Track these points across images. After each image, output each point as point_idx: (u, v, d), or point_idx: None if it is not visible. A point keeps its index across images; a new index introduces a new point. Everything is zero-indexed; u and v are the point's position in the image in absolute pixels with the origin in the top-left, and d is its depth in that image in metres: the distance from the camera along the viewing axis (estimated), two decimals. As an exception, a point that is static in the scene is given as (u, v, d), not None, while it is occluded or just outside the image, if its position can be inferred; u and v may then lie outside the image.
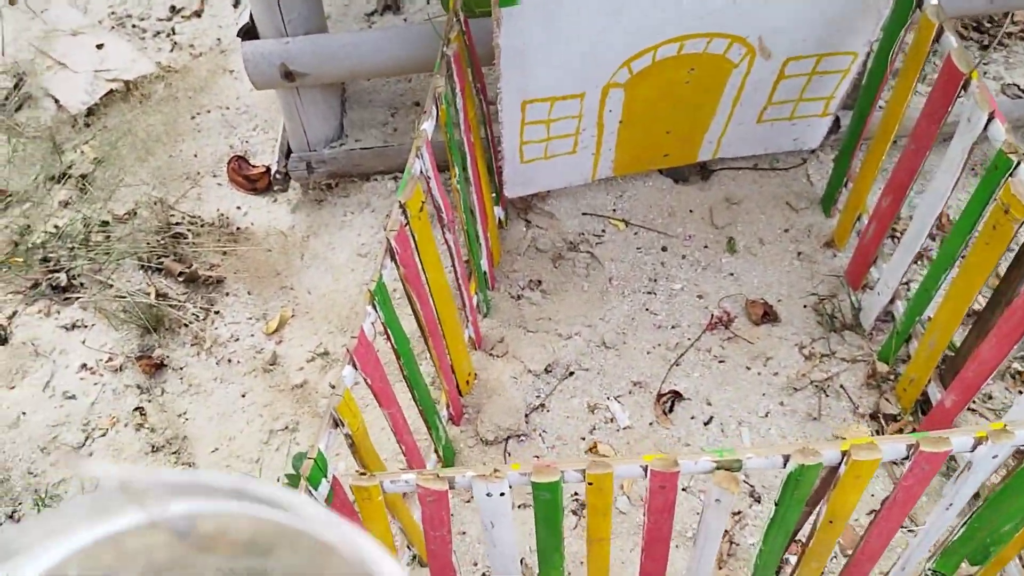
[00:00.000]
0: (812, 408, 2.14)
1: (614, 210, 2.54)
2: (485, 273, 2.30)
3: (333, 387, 1.43)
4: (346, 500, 1.42)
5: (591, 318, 2.38)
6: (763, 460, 1.30)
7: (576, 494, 2.04)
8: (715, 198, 2.52)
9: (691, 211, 2.50)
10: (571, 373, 2.27)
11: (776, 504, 1.37)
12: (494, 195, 2.40)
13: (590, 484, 1.30)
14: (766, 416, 2.15)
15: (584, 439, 2.13)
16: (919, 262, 2.34)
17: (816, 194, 2.51)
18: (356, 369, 1.49)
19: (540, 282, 2.44)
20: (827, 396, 2.17)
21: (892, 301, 2.15)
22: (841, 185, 2.40)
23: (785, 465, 1.30)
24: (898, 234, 2.38)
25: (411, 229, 1.67)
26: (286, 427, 2.20)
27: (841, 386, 2.18)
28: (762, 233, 2.45)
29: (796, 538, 1.51)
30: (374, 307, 1.55)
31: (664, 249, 2.45)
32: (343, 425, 1.45)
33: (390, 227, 1.59)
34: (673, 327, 2.33)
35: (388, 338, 1.65)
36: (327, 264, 2.52)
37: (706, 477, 1.29)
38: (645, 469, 1.30)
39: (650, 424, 2.15)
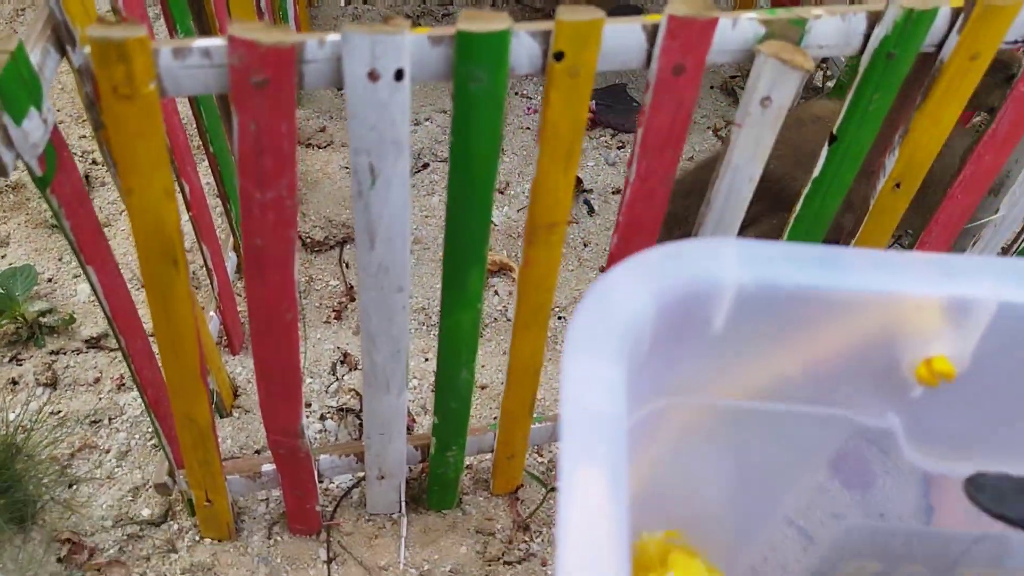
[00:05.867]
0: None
1: (463, -20, 1.95)
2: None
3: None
4: (72, 166, 0.72)
5: (446, 101, 1.77)
6: (836, 20, 0.76)
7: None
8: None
9: (561, -19, 1.97)
10: (425, 165, 1.65)
11: (838, 129, 0.83)
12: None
13: (559, 57, 0.70)
14: (686, 205, 1.65)
15: (452, 242, 1.52)
16: None
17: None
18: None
19: (370, 69, 1.80)
20: (754, 181, 1.71)
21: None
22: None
23: (873, 27, 0.77)
24: None
25: None
26: (-10, 243, 1.41)
27: (770, 169, 1.72)
28: (649, 7, 1.96)
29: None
30: None
31: (531, 26, 1.90)
32: (72, 37, 0.75)
33: None
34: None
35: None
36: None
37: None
38: (652, 30, 0.72)
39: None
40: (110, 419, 1.20)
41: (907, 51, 0.77)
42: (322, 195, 1.51)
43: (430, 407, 1.29)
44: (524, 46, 0.70)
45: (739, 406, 0.63)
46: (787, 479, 0.73)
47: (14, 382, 1.23)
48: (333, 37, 0.66)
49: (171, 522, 1.12)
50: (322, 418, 1.25)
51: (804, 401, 0.63)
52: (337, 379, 1.30)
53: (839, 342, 0.59)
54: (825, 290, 0.56)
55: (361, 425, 1.26)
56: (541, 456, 1.24)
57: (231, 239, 1.35)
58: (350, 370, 1.31)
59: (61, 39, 0.76)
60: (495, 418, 1.29)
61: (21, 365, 1.25)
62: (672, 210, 1.24)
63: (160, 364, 0.92)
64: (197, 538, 1.10)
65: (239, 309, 1.35)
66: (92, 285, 0.83)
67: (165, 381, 0.93)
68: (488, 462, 1.23)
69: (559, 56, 0.70)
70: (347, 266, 1.47)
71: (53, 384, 1.23)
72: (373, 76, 0.67)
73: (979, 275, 0.57)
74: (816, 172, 0.87)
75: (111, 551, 1.08)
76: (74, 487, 1.13)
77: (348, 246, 1.49)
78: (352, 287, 1.43)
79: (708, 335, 0.58)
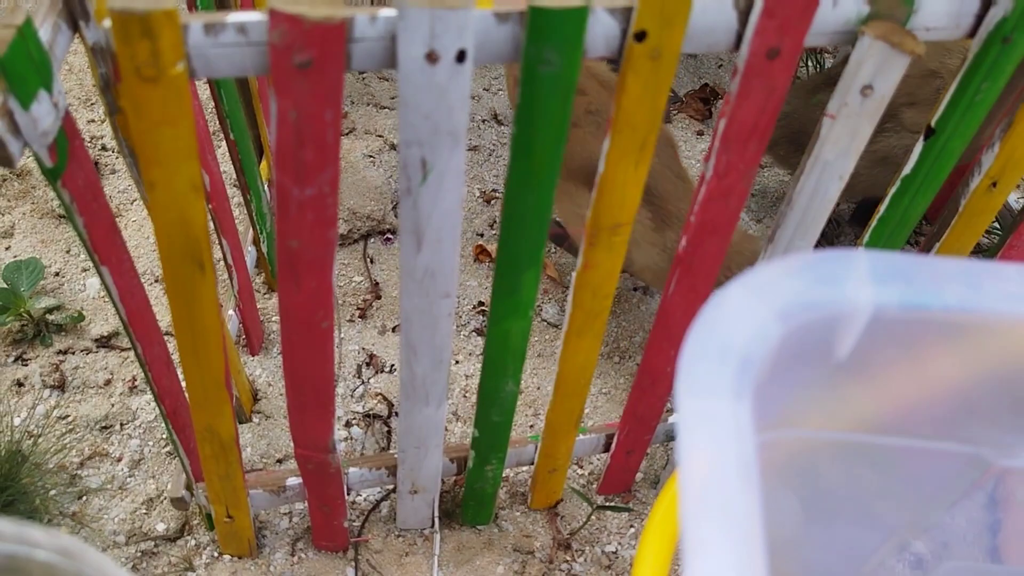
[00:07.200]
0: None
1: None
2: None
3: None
4: (85, 156, 0.64)
5: (474, 86, 1.68)
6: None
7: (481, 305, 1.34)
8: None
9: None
10: (452, 154, 1.56)
11: (936, 121, 0.75)
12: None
13: (640, 37, 0.62)
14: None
15: (483, 236, 1.44)
16: None
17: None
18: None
19: (392, 52, 1.71)
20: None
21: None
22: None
23: (988, 7, 0.68)
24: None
25: None
26: (-6, 233, 1.33)
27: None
28: None
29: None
30: None
31: None
32: (85, 11, 0.67)
33: None
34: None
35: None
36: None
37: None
38: (744, 8, 0.63)
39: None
40: (122, 424, 1.13)
41: (1025, 34, 0.69)
42: (345, 185, 1.43)
43: (462, 413, 1.21)
44: (601, 24, 0.61)
45: (855, 440, 0.55)
46: (898, 524, 0.65)
47: (20, 384, 1.15)
48: (387, 12, 0.58)
49: (188, 537, 1.04)
50: (347, 425, 1.17)
51: (931, 436, 0.55)
52: (363, 382, 1.22)
53: (979, 370, 0.51)
54: (971, 312, 0.48)
55: (389, 432, 1.18)
56: (582, 468, 1.16)
57: (251, 232, 1.27)
58: (376, 372, 1.23)
59: (73, 13, 0.67)
60: (531, 426, 1.21)
61: (27, 365, 1.17)
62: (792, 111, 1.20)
63: (180, 372, 0.85)
64: (216, 554, 1.03)
65: (259, 306, 1.27)
66: (106, 287, 0.75)
67: (185, 390, 0.85)
68: (525, 474, 1.15)
69: (640, 36, 0.62)
70: (371, 261, 1.38)
71: (61, 386, 1.15)
72: (432, 57, 0.59)
73: None
74: (907, 169, 0.79)
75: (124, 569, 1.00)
76: (84, 499, 1.05)
77: (372, 239, 1.41)
78: (377, 283, 1.35)
79: (830, 362, 0.50)
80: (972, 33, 0.70)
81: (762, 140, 0.70)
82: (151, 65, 0.56)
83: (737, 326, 0.45)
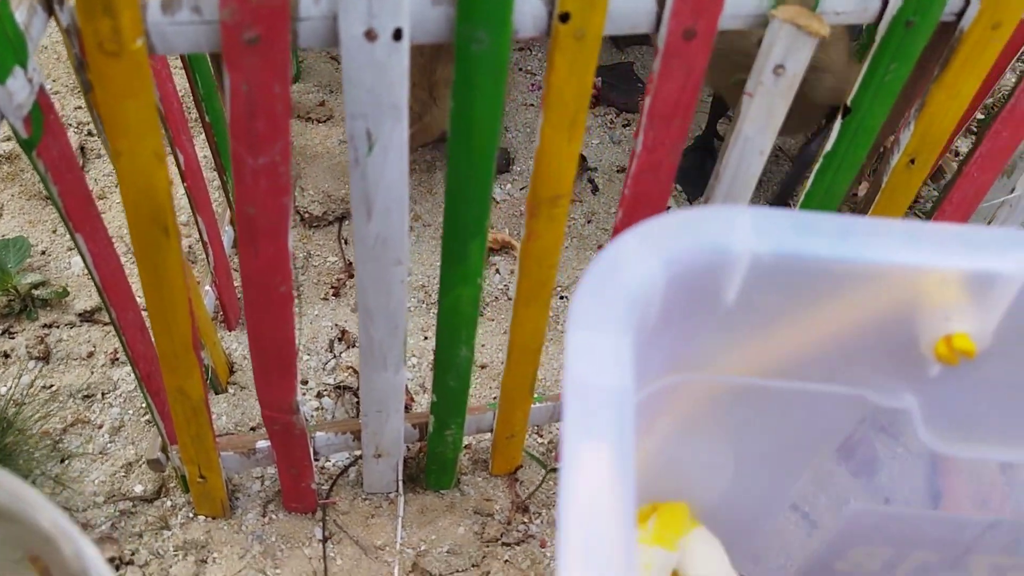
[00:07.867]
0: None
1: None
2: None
3: None
4: (60, 129, 0.70)
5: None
6: (865, -8, 0.73)
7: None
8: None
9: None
10: (427, 141, 1.62)
11: (852, 101, 0.80)
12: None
13: (564, 18, 0.67)
14: (691, 185, 1.62)
15: (453, 219, 1.49)
16: None
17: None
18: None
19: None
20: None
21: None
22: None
23: (897, -1, 0.74)
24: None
25: None
26: (-17, 214, 1.38)
27: (778, 149, 1.69)
28: None
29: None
30: None
31: None
32: (59, -5, 0.73)
33: None
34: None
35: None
36: None
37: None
38: (672, -1, 0.69)
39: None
40: (103, 394, 1.18)
41: (926, 19, 0.74)
42: (321, 169, 1.48)
43: (429, 386, 1.26)
44: (529, 6, 0.67)
45: (750, 383, 0.61)
46: (795, 462, 0.71)
47: (6, 355, 1.21)
48: (330, -6, 0.63)
49: (164, 499, 1.10)
50: (319, 396, 1.23)
51: (818, 379, 0.60)
52: (335, 356, 1.28)
53: (856, 317, 0.57)
54: (843, 262, 0.53)
55: (359, 404, 1.23)
56: (541, 436, 1.22)
57: (228, 212, 1.33)
58: (348, 347, 1.29)
59: (48, -6, 0.73)
60: (495, 398, 1.26)
61: (13, 338, 1.23)
62: None
63: (152, 337, 0.90)
64: (191, 515, 1.08)
65: (235, 284, 1.32)
66: (82, 254, 0.81)
67: (157, 354, 0.90)
68: (487, 442, 1.21)
69: (565, 17, 0.67)
70: (346, 242, 1.44)
71: (45, 358, 1.21)
72: (370, 35, 0.64)
73: (1004, 248, 0.54)
74: (828, 146, 0.84)
75: (103, 527, 1.06)
76: (66, 462, 1.11)
77: (347, 222, 1.46)
78: (351, 263, 1.41)
79: (720, 308, 0.55)
80: (878, 18, 0.75)
81: (685, 116, 0.76)
82: (113, 40, 0.61)
83: (625, 270, 0.51)
